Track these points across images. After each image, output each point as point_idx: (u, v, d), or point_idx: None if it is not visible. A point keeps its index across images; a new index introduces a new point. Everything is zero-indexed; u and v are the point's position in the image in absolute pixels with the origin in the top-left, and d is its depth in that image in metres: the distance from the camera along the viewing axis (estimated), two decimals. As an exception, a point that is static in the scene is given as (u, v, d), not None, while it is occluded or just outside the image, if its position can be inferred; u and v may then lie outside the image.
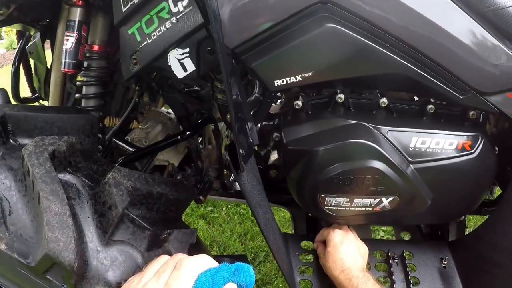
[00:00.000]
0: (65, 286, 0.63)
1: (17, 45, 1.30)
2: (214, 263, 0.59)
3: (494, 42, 0.81)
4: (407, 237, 1.23)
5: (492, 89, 0.86)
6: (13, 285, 0.70)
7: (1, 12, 0.92)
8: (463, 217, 1.15)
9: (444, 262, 1.05)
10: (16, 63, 1.27)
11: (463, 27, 0.81)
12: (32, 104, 1.35)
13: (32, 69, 1.35)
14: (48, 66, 1.22)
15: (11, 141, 0.73)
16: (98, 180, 0.69)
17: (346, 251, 0.94)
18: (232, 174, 1.23)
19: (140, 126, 1.20)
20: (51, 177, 0.60)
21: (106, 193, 0.65)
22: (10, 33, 9.32)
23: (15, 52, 1.28)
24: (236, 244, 1.90)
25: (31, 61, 1.34)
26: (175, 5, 0.77)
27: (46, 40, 1.24)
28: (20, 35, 1.30)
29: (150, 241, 0.69)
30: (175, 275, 0.54)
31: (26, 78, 1.35)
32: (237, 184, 1.25)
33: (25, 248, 0.63)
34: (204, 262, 0.58)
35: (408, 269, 1.01)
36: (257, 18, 0.76)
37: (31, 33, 1.26)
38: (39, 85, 1.31)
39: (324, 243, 1.01)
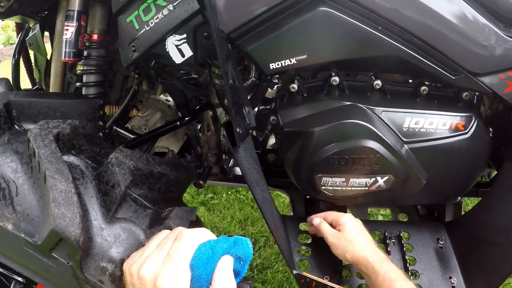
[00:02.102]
0: (70, 263, 0.67)
1: (17, 37, 1.33)
2: (213, 236, 0.63)
3: (486, 23, 0.85)
4: (404, 219, 1.27)
5: (484, 70, 0.89)
6: (19, 266, 0.74)
7: (2, 4, 0.95)
8: (459, 198, 1.19)
9: (440, 242, 1.08)
10: (16, 55, 1.31)
11: (454, 9, 0.84)
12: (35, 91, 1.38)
13: (32, 60, 1.39)
14: (48, 57, 1.25)
15: (16, 126, 0.76)
16: (101, 161, 0.73)
17: (360, 233, 0.96)
18: (232, 159, 1.26)
19: (139, 114, 1.24)
20: (56, 157, 0.64)
21: (109, 172, 0.68)
22: (7, 28, 9.37)
23: (15, 45, 1.31)
24: (237, 230, 1.95)
25: (31, 53, 1.37)
26: (172, -8, 0.81)
27: (45, 31, 1.28)
28: (19, 27, 1.34)
29: (152, 219, 0.73)
30: (176, 245, 0.58)
31: (26, 69, 1.38)
32: (236, 169, 1.29)
33: (31, 227, 0.67)
34: (204, 234, 0.61)
35: (404, 249, 1.05)
36: (252, 3, 0.80)
37: (31, 25, 1.29)
38: (39, 76, 1.34)
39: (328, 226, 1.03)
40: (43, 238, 0.64)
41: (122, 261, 0.67)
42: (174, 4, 0.81)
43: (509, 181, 1.01)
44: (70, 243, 0.61)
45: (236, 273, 0.62)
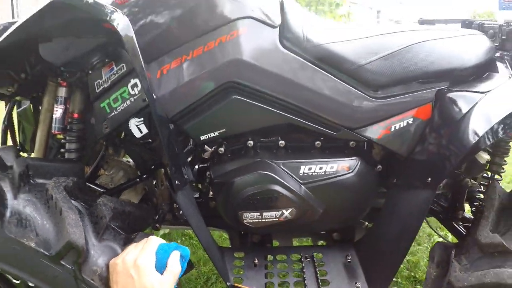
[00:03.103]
0: (74, 268, 1.35)
1: (5, 108, 2.04)
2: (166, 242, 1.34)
3: (355, 91, 1.61)
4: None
5: (358, 125, 1.65)
6: (30, 277, 1.41)
7: (9, 89, 1.67)
8: (366, 223, 1.91)
9: (348, 257, 1.79)
10: (6, 123, 2.01)
11: (330, 84, 1.60)
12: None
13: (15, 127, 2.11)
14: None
15: (31, 181, 1.46)
16: (90, 204, 1.44)
17: None
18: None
19: (106, 173, 1.95)
20: (67, 200, 1.34)
21: (98, 209, 1.39)
22: None
23: (4, 115, 2.02)
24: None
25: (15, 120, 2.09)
26: (132, 89, 1.54)
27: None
28: (7, 100, 2.06)
29: (125, 240, 1.42)
30: (146, 243, 1.28)
31: (11, 135, 2.08)
32: None
33: (48, 245, 1.34)
34: (161, 240, 1.32)
35: (316, 265, 1.75)
36: (184, 97, 1.55)
37: (19, 99, 2.02)
38: (25, 140, 2.05)
39: None
40: (57, 250, 1.31)
41: (107, 266, 1.35)
42: (134, 97, 1.54)
43: (390, 205, 1.75)
44: (78, 250, 1.29)
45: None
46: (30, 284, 1.44)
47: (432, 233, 2.97)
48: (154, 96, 1.47)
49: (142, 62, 1.37)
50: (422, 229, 3.02)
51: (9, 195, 1.38)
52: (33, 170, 1.47)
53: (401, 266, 2.62)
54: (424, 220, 2.94)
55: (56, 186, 1.38)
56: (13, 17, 18.57)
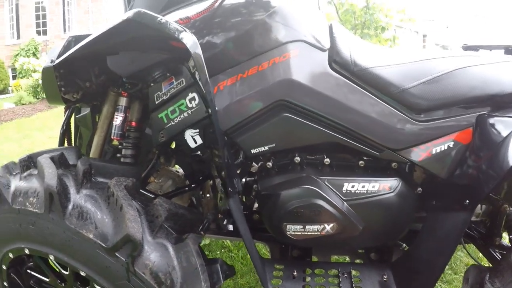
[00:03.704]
0: (127, 260, 1.43)
1: (64, 114, 2.17)
2: None
3: (399, 114, 1.68)
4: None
5: (401, 146, 1.72)
6: (83, 266, 1.49)
7: (74, 96, 1.79)
8: (404, 245, 1.95)
9: (384, 277, 1.82)
10: (64, 127, 2.15)
11: (374, 107, 1.68)
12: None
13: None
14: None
15: (93, 179, 1.57)
16: (147, 204, 1.53)
17: None
18: (225, 219, 2.05)
19: (155, 181, 2.05)
20: (128, 197, 1.44)
21: (154, 208, 1.48)
22: (19, 88, 11.00)
23: (64, 119, 2.15)
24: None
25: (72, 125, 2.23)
26: (190, 102, 1.65)
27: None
28: (67, 107, 2.19)
29: (176, 240, 1.50)
30: None
31: (67, 139, 2.21)
32: (228, 226, 2.08)
33: (105, 237, 1.43)
34: None
35: (353, 281, 1.79)
36: (239, 112, 1.64)
37: (79, 106, 2.16)
38: (81, 144, 2.18)
39: None
40: (114, 242, 1.39)
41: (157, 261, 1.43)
42: (192, 110, 1.65)
43: (429, 226, 1.79)
44: (135, 244, 1.37)
45: None
46: (81, 273, 1.54)
47: (469, 263, 2.95)
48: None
49: (208, 78, 1.47)
50: (459, 258, 3.01)
51: (72, 190, 1.49)
52: (95, 169, 1.58)
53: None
54: (462, 249, 2.98)
55: (117, 184, 1.48)
56: (64, 31, 19.32)
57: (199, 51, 1.44)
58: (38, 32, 19.84)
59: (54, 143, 2.20)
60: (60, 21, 20.09)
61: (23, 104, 11.73)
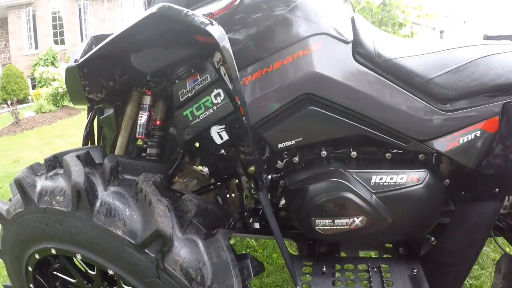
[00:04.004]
0: (157, 257, 1.41)
1: (87, 116, 2.18)
2: None
3: (424, 104, 1.65)
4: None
5: (428, 137, 1.68)
6: (111, 264, 1.47)
7: (98, 95, 1.78)
8: (432, 238, 1.91)
9: (414, 271, 1.79)
10: (88, 129, 2.15)
11: (399, 98, 1.64)
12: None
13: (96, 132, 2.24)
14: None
15: (120, 176, 1.55)
16: (175, 200, 1.51)
17: None
18: (251, 217, 2.03)
19: (180, 180, 2.03)
20: (156, 193, 1.42)
21: (184, 204, 1.46)
22: (39, 97, 11.24)
23: (87, 121, 2.15)
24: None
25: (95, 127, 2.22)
26: (215, 98, 1.63)
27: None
28: (90, 109, 2.19)
29: (206, 235, 1.48)
30: None
31: (90, 140, 2.20)
32: (255, 224, 2.05)
33: (134, 234, 1.41)
34: None
35: (383, 275, 1.76)
36: (265, 107, 1.62)
37: (102, 107, 2.15)
38: (103, 145, 2.18)
39: None
40: (143, 238, 1.37)
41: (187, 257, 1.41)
42: (217, 106, 1.63)
43: (458, 218, 1.76)
44: (165, 239, 1.35)
45: None
46: (109, 272, 1.52)
47: (496, 258, 2.90)
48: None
49: (237, 69, 1.45)
50: (486, 254, 2.96)
51: (99, 187, 1.48)
52: (122, 166, 1.57)
53: (465, 290, 2.57)
54: (489, 245, 2.93)
55: (145, 180, 1.46)
56: (81, 40, 19.57)
57: (227, 43, 1.42)
58: (56, 42, 20.13)
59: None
60: (77, 30, 20.32)
61: (43, 112, 11.91)
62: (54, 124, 9.88)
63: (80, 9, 20.57)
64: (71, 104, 9.18)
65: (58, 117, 11.08)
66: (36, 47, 20.28)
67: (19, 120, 10.95)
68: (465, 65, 1.67)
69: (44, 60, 18.64)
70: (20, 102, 15.09)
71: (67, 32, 20.25)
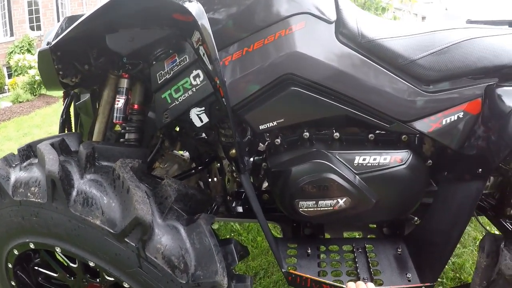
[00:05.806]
0: (138, 245, 1.31)
1: (63, 103, 2.05)
2: None
3: (408, 85, 1.58)
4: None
5: (411, 117, 1.61)
6: (91, 255, 1.38)
7: (73, 80, 1.67)
8: (416, 218, 1.86)
9: (399, 250, 1.74)
10: (64, 116, 2.02)
11: (383, 79, 1.57)
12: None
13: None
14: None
15: (96, 163, 1.45)
16: (155, 186, 1.41)
17: None
18: (234, 201, 1.94)
19: (161, 166, 1.93)
20: (134, 179, 1.32)
21: (163, 190, 1.36)
22: (15, 87, 10.87)
23: (63, 107, 2.03)
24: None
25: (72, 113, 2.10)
26: (195, 80, 1.53)
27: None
28: (65, 95, 2.06)
29: (187, 221, 1.39)
30: None
31: (67, 127, 2.09)
32: (237, 208, 1.97)
33: (113, 223, 1.31)
34: None
35: (368, 255, 1.70)
36: (245, 88, 1.52)
37: (78, 93, 2.03)
38: (80, 132, 2.06)
39: None
40: (123, 227, 1.28)
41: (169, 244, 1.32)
42: (197, 87, 1.52)
43: (441, 198, 1.70)
44: (145, 226, 1.25)
45: None
46: (90, 264, 1.42)
47: (477, 237, 2.89)
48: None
49: (216, 49, 1.35)
50: (467, 232, 2.94)
51: (75, 176, 1.37)
52: (98, 153, 1.46)
53: (446, 267, 2.55)
54: (470, 224, 2.90)
55: (123, 166, 1.36)
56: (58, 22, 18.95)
57: (206, 20, 1.32)
58: (32, 28, 19.15)
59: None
60: (53, 15, 19.55)
61: (20, 102, 11.48)
62: (32, 114, 9.51)
63: (56, -7, 19.95)
64: (48, 93, 8.89)
65: (36, 106, 10.68)
66: (12, 34, 19.48)
67: (-5, 111, 10.48)
68: (449, 47, 1.61)
69: (20, 47, 17.85)
70: (-4, 92, 14.60)
71: (43, 18, 19.35)
